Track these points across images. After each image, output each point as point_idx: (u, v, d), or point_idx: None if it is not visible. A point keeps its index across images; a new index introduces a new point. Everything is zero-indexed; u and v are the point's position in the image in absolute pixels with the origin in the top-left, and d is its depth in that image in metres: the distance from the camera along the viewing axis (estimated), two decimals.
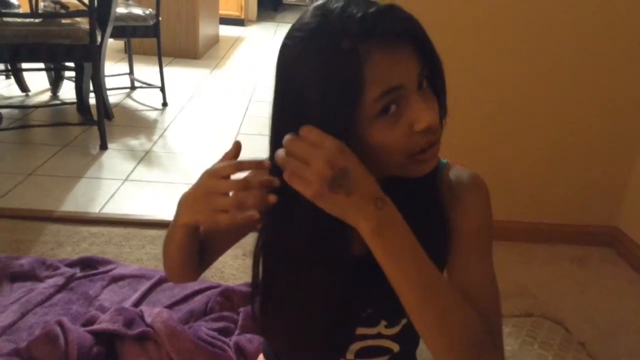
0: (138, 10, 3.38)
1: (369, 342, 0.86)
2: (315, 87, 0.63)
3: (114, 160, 2.66)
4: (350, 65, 0.61)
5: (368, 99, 0.63)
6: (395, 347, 0.88)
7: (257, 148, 0.84)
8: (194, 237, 0.81)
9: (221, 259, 1.77)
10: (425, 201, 0.76)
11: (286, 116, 0.69)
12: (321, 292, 0.75)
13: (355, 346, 0.86)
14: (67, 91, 3.52)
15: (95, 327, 1.38)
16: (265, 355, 1.03)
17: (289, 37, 0.68)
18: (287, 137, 0.63)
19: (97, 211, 2.15)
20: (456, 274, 0.74)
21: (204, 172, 0.72)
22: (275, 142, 0.71)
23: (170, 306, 1.57)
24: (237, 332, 1.47)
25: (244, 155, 0.76)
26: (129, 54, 3.78)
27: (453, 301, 0.66)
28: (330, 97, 0.63)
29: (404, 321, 0.85)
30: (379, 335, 0.86)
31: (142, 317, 1.43)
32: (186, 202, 0.73)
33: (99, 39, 2.68)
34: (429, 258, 0.65)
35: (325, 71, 0.63)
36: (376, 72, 0.62)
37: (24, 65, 3.40)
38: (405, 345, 0.89)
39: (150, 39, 3.49)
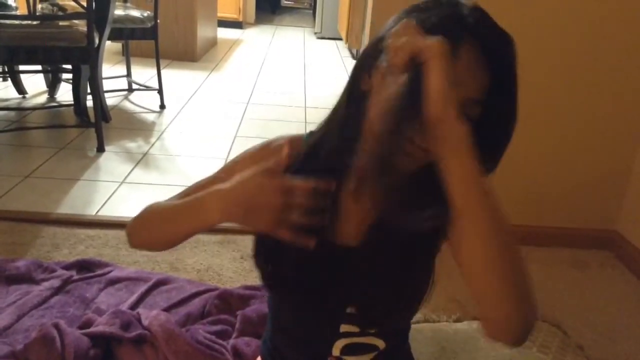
0: (136, 13, 3.38)
1: (354, 339, 0.87)
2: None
3: (111, 163, 2.65)
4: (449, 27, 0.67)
5: None
6: (381, 344, 0.89)
7: None
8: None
9: (218, 261, 1.77)
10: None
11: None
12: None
13: (340, 343, 0.87)
14: (65, 93, 3.51)
15: (92, 330, 1.37)
16: (263, 358, 1.03)
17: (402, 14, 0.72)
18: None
19: (94, 213, 2.15)
20: None
21: (260, 177, 0.68)
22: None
23: (168, 309, 1.56)
24: (234, 335, 1.46)
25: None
26: (127, 56, 3.78)
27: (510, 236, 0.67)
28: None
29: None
30: (364, 332, 0.87)
31: (139, 320, 1.42)
32: (235, 204, 0.69)
33: (96, 41, 2.68)
34: None
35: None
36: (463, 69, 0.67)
37: (21, 68, 3.40)
38: (391, 342, 0.91)
39: (148, 41, 3.48)
